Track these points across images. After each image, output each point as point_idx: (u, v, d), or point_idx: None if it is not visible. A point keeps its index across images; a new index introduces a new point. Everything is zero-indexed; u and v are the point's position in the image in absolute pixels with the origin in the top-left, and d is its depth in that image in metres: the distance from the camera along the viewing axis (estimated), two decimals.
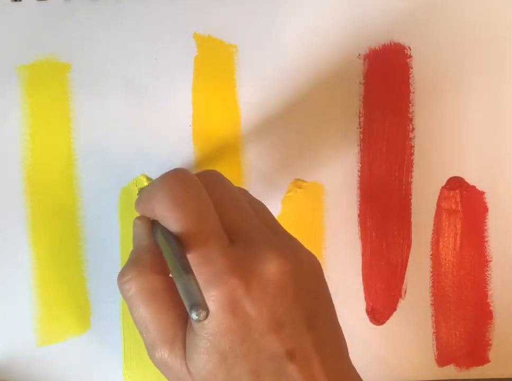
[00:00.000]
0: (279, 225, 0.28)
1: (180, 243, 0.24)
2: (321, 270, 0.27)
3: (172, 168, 0.35)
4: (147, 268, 0.26)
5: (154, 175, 0.36)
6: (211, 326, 0.24)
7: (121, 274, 0.26)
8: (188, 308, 0.21)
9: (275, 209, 0.36)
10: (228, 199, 0.27)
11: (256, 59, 0.35)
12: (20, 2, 0.35)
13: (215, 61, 0.35)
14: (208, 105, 0.36)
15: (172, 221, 0.25)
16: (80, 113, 0.35)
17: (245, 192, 0.29)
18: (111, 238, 0.36)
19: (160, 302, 0.26)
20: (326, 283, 0.27)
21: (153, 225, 0.27)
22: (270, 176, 0.36)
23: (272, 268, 0.24)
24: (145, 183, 0.36)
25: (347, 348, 0.27)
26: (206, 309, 0.21)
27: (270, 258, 0.24)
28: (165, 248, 0.24)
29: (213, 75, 0.35)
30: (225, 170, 0.36)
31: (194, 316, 0.21)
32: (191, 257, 0.24)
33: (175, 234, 0.25)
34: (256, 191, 0.36)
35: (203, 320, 0.21)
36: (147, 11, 0.35)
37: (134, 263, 0.26)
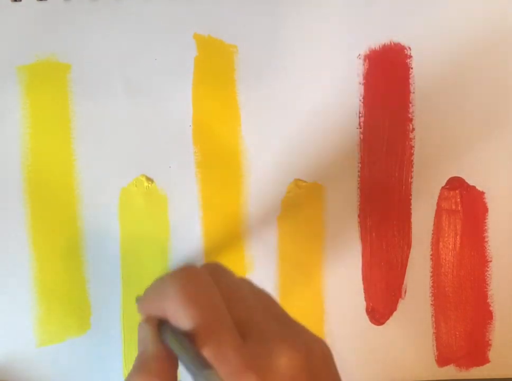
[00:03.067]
0: (287, 314, 0.28)
1: (193, 341, 0.24)
2: (332, 357, 0.27)
3: (172, 169, 0.36)
4: (154, 377, 0.25)
5: (154, 175, 0.36)
6: None
7: None
8: None
9: (275, 209, 0.36)
10: (235, 293, 0.27)
11: (256, 59, 0.35)
12: (20, 2, 0.35)
13: (215, 61, 0.35)
14: (208, 105, 0.36)
15: (185, 318, 0.24)
16: (80, 113, 0.35)
17: (248, 283, 0.29)
18: (111, 238, 0.36)
19: None
20: (337, 369, 0.27)
21: (161, 327, 0.26)
22: (270, 176, 0.36)
23: (285, 363, 0.24)
24: (145, 183, 0.36)
25: None
26: None
27: (283, 353, 0.24)
28: (179, 348, 0.24)
29: (213, 75, 0.35)
30: (225, 170, 0.36)
31: None
32: (207, 356, 0.24)
33: (188, 332, 0.24)
34: (256, 191, 0.36)
35: None
36: (147, 12, 0.35)
37: (140, 372, 0.26)
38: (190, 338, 0.24)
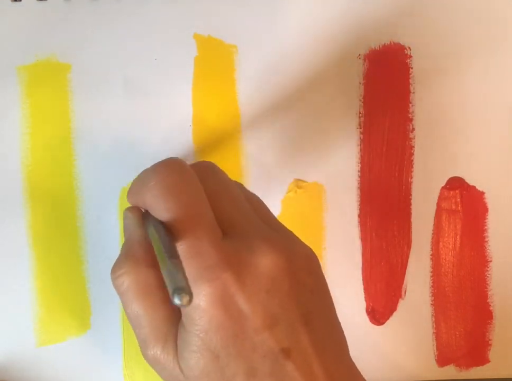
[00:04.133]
0: (275, 219, 0.27)
1: (170, 233, 0.23)
2: (319, 264, 0.26)
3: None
4: (140, 261, 0.25)
5: None
6: (202, 322, 0.23)
7: (114, 268, 0.26)
8: (170, 293, 0.20)
9: (275, 209, 0.36)
10: (222, 191, 0.26)
11: (256, 58, 0.35)
12: (20, 2, 0.35)
13: (215, 61, 0.35)
14: (208, 105, 0.36)
15: (163, 210, 0.24)
16: (80, 113, 0.35)
17: (241, 186, 0.28)
18: (111, 238, 0.36)
19: (153, 298, 0.25)
20: (323, 277, 0.26)
21: (144, 216, 0.26)
22: (270, 176, 0.36)
23: (265, 262, 0.23)
24: None
25: (346, 345, 0.26)
26: (189, 293, 0.20)
27: (264, 252, 0.23)
28: (155, 238, 0.23)
29: (213, 75, 0.35)
30: (225, 170, 0.36)
31: (176, 300, 0.20)
32: (182, 249, 0.23)
33: (166, 224, 0.24)
34: (256, 191, 0.36)
35: (186, 305, 0.20)
36: (147, 11, 0.35)
37: (126, 257, 0.26)
38: (168, 231, 0.23)
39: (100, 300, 0.36)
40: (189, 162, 0.36)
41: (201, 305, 0.23)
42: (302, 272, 0.25)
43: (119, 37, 0.35)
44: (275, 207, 0.36)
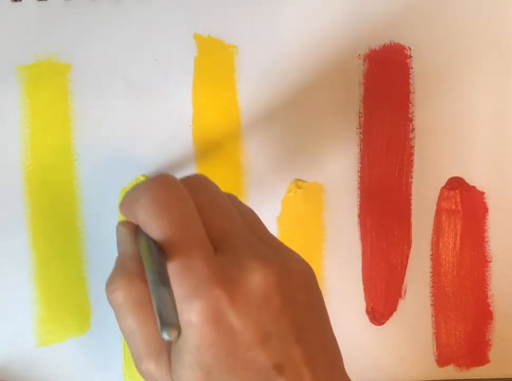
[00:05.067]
0: (268, 232, 0.27)
1: (162, 251, 0.23)
2: (314, 278, 0.26)
3: (172, 169, 0.36)
4: (134, 276, 0.25)
5: (154, 175, 0.36)
6: (193, 339, 0.23)
7: (109, 282, 0.26)
8: (159, 326, 0.20)
9: (275, 209, 0.36)
10: (213, 206, 0.26)
11: (256, 59, 0.35)
12: (20, 2, 0.35)
13: (215, 61, 0.35)
14: (208, 105, 0.36)
15: (154, 228, 0.24)
16: (80, 113, 0.35)
17: (233, 199, 0.28)
18: (111, 238, 0.35)
19: (147, 313, 0.25)
20: (318, 292, 0.26)
21: (137, 230, 0.26)
22: (270, 176, 0.36)
23: (257, 278, 0.23)
24: None
25: (341, 359, 0.26)
26: (178, 329, 0.20)
27: (255, 268, 0.23)
28: (146, 257, 0.23)
29: (213, 75, 0.35)
30: (225, 170, 0.36)
31: (165, 335, 0.20)
32: (173, 267, 0.23)
33: (157, 242, 0.24)
34: (256, 191, 0.36)
35: (174, 340, 0.20)
36: (147, 12, 0.35)
37: (120, 271, 0.25)
38: (160, 247, 0.23)
39: (100, 300, 0.36)
40: (188, 163, 0.36)
41: (193, 322, 0.23)
42: (295, 288, 0.24)
43: (119, 37, 0.35)
44: (275, 207, 0.36)
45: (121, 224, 0.27)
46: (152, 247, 0.24)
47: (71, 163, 0.35)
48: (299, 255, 0.26)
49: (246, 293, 0.23)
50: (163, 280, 0.22)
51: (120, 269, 0.26)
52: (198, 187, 0.26)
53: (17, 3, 0.35)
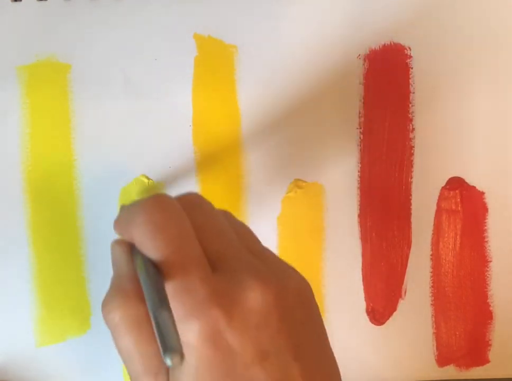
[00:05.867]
0: (264, 248, 0.27)
1: (159, 271, 0.23)
2: (311, 294, 0.26)
3: (172, 169, 0.36)
4: (130, 296, 0.25)
5: (154, 175, 0.36)
6: (192, 360, 0.23)
7: (105, 303, 0.25)
8: (161, 352, 0.20)
9: (275, 209, 0.36)
10: (209, 224, 0.26)
11: (256, 59, 0.35)
12: (20, 2, 0.35)
13: (215, 61, 0.35)
14: (208, 105, 0.36)
15: (151, 248, 0.24)
16: (80, 113, 0.35)
17: (227, 215, 0.28)
18: (111, 238, 0.35)
19: (144, 332, 0.24)
20: (315, 308, 0.26)
21: (133, 249, 0.26)
22: (270, 176, 0.36)
23: (254, 297, 0.23)
24: (145, 183, 0.36)
25: (339, 375, 0.26)
26: (181, 354, 0.20)
27: (252, 286, 0.23)
28: (143, 278, 0.23)
29: (213, 75, 0.35)
30: (225, 170, 0.36)
31: (168, 361, 0.20)
32: (171, 287, 0.23)
33: (155, 262, 0.24)
34: (256, 191, 0.36)
35: (178, 366, 0.20)
36: (147, 11, 0.35)
37: (116, 291, 0.25)
38: (157, 269, 0.23)
39: (100, 300, 0.35)
40: (188, 163, 0.36)
41: (191, 342, 0.23)
42: (293, 305, 0.24)
43: (119, 37, 0.35)
44: (275, 207, 0.36)
45: (117, 243, 0.27)
46: (149, 267, 0.23)
47: (71, 163, 0.35)
48: (295, 270, 0.26)
49: (244, 312, 0.23)
50: (163, 303, 0.22)
51: (116, 289, 0.25)
52: (192, 205, 0.26)
53: (17, 3, 0.35)
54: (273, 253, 0.27)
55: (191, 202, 0.26)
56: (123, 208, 0.27)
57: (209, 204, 0.27)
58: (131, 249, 0.26)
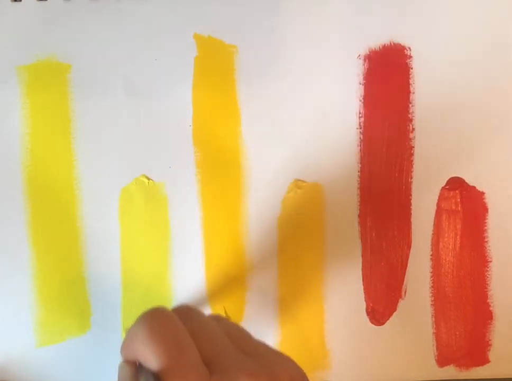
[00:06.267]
0: (255, 343, 0.28)
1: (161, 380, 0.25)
2: (304, 379, 0.27)
3: (172, 169, 0.36)
4: None
5: (154, 175, 0.36)
6: None
7: None
8: None
9: (275, 209, 0.36)
10: (202, 331, 0.27)
11: (256, 59, 0.35)
12: (20, 2, 0.35)
13: (215, 61, 0.35)
14: (208, 105, 0.36)
15: (151, 356, 0.25)
16: (80, 113, 0.35)
17: (219, 320, 0.30)
18: (111, 238, 0.36)
19: None
20: None
21: (139, 368, 0.27)
22: (270, 176, 0.36)
23: None
24: (145, 183, 0.36)
25: None
26: None
27: None
28: None
29: (213, 76, 0.36)
30: (225, 170, 0.36)
31: None
32: None
33: (156, 372, 0.25)
34: (256, 192, 0.36)
35: None
36: (147, 11, 0.35)
37: None
38: (160, 379, 0.25)
39: (100, 300, 0.36)
40: (188, 163, 0.36)
41: None
42: None
43: (119, 37, 0.35)
44: (275, 207, 0.36)
45: (125, 361, 0.28)
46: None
47: (71, 163, 0.35)
48: (289, 359, 0.27)
49: None
50: None
51: None
52: (187, 315, 0.28)
53: (17, 3, 0.35)
54: (266, 346, 0.28)
55: (186, 312, 0.28)
56: (127, 332, 0.28)
57: (201, 313, 0.29)
58: (137, 369, 0.27)
